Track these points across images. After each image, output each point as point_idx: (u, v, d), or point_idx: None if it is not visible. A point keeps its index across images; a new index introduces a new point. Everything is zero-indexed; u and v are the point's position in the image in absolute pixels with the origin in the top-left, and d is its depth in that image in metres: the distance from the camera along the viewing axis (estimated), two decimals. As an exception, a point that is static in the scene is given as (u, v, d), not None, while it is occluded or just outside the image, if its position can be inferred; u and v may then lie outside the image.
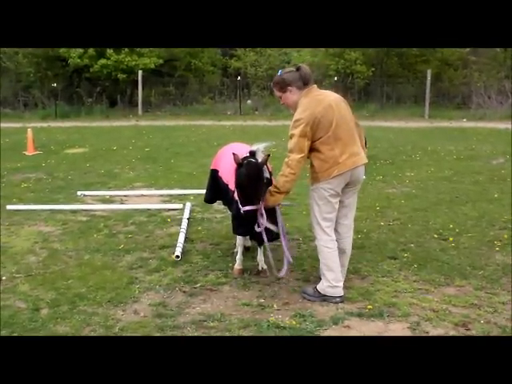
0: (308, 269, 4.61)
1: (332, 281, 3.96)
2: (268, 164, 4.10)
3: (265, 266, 4.55)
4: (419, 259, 4.82)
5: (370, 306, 3.88)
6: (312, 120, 3.77)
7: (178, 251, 4.87)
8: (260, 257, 4.60)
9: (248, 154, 4.04)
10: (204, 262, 4.79)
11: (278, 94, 4.05)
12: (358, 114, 19.10)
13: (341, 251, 4.04)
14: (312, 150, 3.87)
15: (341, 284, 4.00)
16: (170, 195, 7.45)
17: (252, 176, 3.86)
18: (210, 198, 5.01)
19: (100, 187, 7.92)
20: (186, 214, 6.14)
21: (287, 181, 3.86)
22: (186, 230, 5.59)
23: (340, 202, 3.98)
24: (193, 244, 5.29)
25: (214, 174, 4.75)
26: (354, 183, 3.96)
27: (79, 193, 7.40)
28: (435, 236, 5.49)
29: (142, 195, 7.46)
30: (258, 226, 4.03)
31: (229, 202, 4.41)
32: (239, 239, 4.55)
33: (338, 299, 3.96)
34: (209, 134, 14.38)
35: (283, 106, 4.18)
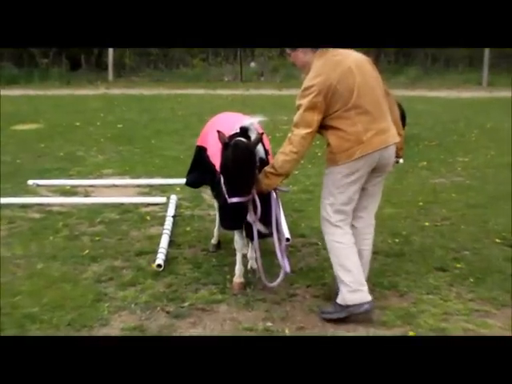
0: (330, 282, 4.58)
1: (352, 284, 3.96)
2: (265, 139, 4.13)
3: (255, 266, 4.69)
4: (476, 271, 4.81)
5: (411, 333, 3.86)
6: (326, 88, 3.80)
7: (161, 259, 4.87)
8: (250, 253, 4.78)
9: (238, 131, 4.08)
10: (194, 274, 4.78)
11: (287, 51, 4.12)
12: (393, 81, 19.20)
13: (360, 256, 4.10)
14: (328, 126, 3.92)
15: (365, 287, 3.98)
16: (150, 186, 7.46)
17: (240, 161, 3.90)
18: (192, 181, 5.14)
19: (58, 175, 7.93)
20: (171, 211, 6.15)
21: (287, 160, 3.93)
22: (171, 232, 5.59)
23: (362, 189, 4.04)
24: (179, 249, 5.29)
25: (201, 152, 4.86)
26: (383, 168, 4.02)
27: (31, 182, 7.41)
28: (497, 241, 5.48)
29: (114, 186, 7.47)
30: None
31: (216, 188, 4.46)
32: (238, 242, 4.58)
33: (366, 306, 3.94)
34: (200, 106, 14.37)
35: (297, 70, 4.14)
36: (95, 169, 8.33)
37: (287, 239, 5.25)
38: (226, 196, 4.04)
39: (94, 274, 4.79)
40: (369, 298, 3.97)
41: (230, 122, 4.40)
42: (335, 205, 3.99)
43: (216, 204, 4.98)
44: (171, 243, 5.37)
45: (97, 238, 5.56)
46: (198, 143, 4.97)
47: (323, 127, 3.94)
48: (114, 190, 7.30)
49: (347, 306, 3.98)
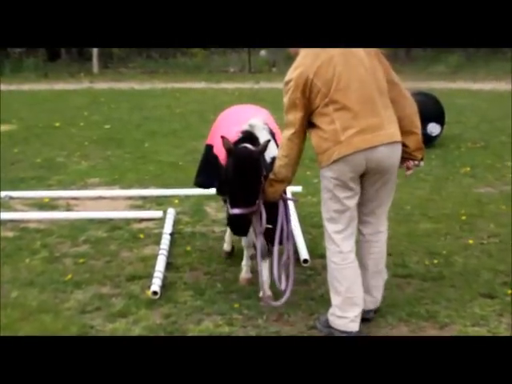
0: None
1: (337, 309, 4.21)
2: (280, 137, 4.46)
3: (268, 293, 4.77)
4: (530, 298, 4.80)
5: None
6: (302, 82, 4.00)
7: (157, 285, 4.88)
8: (265, 277, 4.79)
9: (240, 135, 4.40)
10: (196, 302, 4.79)
11: None
12: (430, 71, 19.06)
13: (363, 267, 4.31)
14: (311, 124, 4.15)
15: (351, 315, 4.18)
16: (144, 197, 7.49)
17: (243, 170, 4.18)
18: (202, 182, 5.38)
19: (35, 185, 7.97)
20: (168, 227, 6.16)
21: (281, 165, 4.27)
22: (169, 252, 5.60)
23: (363, 194, 4.23)
24: (179, 273, 5.31)
25: (208, 150, 5.12)
26: (376, 172, 4.12)
27: (3, 194, 7.44)
28: (555, 261, 5.46)
29: (101, 198, 7.49)
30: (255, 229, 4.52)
31: (225, 190, 4.68)
32: (244, 240, 4.98)
33: (340, 333, 4.20)
34: (202, 102, 14.41)
35: None
36: (78, 178, 8.35)
37: (305, 260, 5.32)
38: (228, 206, 4.33)
39: (77, 303, 4.79)
40: (354, 328, 4.18)
41: (243, 118, 4.63)
42: (329, 212, 4.21)
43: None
44: (169, 266, 5.37)
45: (81, 261, 5.56)
46: (207, 142, 5.22)
47: (309, 126, 4.16)
48: (100, 203, 7.30)
49: (330, 327, 4.28)
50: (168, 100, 14.81)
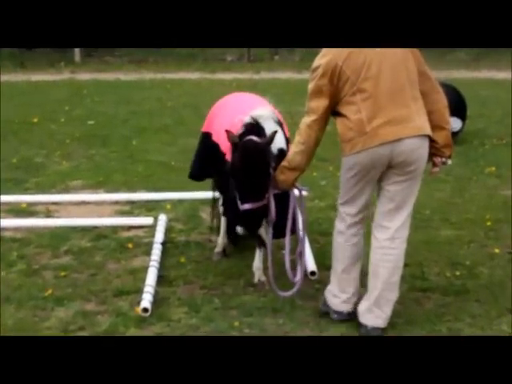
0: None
1: (333, 287, 4.78)
2: (286, 127, 4.89)
3: (262, 278, 5.24)
4: None
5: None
6: (331, 69, 4.28)
7: (147, 300, 4.88)
8: (258, 263, 5.30)
9: (244, 128, 4.69)
10: (191, 320, 4.80)
11: None
12: (449, 59, 18.97)
13: (375, 276, 4.54)
14: (338, 112, 4.43)
15: (344, 296, 4.71)
16: (132, 202, 7.47)
17: (251, 164, 4.50)
18: (197, 173, 5.70)
19: (11, 188, 7.92)
20: (160, 236, 6.16)
21: (296, 152, 4.57)
22: (160, 264, 5.60)
23: (381, 190, 4.51)
24: (172, 287, 5.31)
25: (205, 139, 5.40)
26: (401, 167, 4.33)
27: (-25, 198, 7.40)
28: None
29: (84, 202, 7.48)
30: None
31: (225, 182, 5.00)
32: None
33: (334, 316, 4.74)
34: (196, 94, 14.40)
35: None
36: (59, 180, 8.32)
37: (312, 272, 5.34)
38: (238, 202, 4.63)
39: (59, 321, 4.79)
40: (342, 308, 4.71)
41: (245, 107, 4.91)
42: (344, 196, 4.58)
43: (221, 200, 5.71)
44: (161, 279, 5.37)
45: (62, 274, 5.55)
46: (203, 129, 5.49)
47: (335, 114, 4.45)
48: (84, 209, 7.29)
49: (325, 303, 4.80)
50: (158, 92, 14.77)
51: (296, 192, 4.91)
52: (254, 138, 4.64)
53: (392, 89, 4.25)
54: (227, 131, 4.63)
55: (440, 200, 7.38)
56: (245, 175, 4.53)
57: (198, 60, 19.69)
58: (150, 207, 7.26)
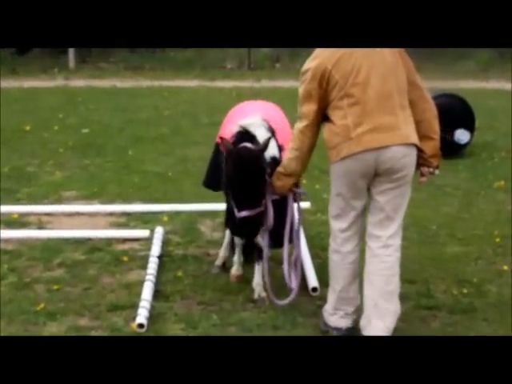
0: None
1: (330, 306, 4.81)
2: (279, 133, 5.07)
3: (263, 294, 5.29)
4: None
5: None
6: (320, 73, 4.42)
7: (143, 316, 4.88)
8: (258, 279, 5.35)
9: (235, 138, 4.93)
10: (189, 336, 4.75)
11: None
12: (458, 69, 18.93)
13: (370, 284, 4.59)
14: (326, 117, 4.56)
15: (342, 312, 4.76)
16: (127, 214, 7.47)
17: (245, 171, 4.68)
18: (210, 182, 5.83)
19: (2, 199, 7.91)
20: (156, 249, 6.14)
21: (291, 158, 4.73)
22: (157, 278, 5.59)
23: (371, 200, 4.59)
24: (168, 303, 5.30)
25: (217, 148, 5.54)
26: (388, 173, 4.43)
27: (-35, 209, 7.39)
28: None
29: (78, 214, 7.47)
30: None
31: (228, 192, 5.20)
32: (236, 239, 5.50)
33: (334, 332, 4.75)
34: (194, 103, 14.44)
35: None
36: (52, 190, 8.31)
37: (314, 288, 5.33)
38: (235, 210, 4.80)
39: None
40: (342, 323, 4.75)
41: (248, 115, 5.22)
42: (335, 209, 4.70)
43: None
44: (157, 294, 5.36)
45: (55, 287, 5.54)
46: (217, 140, 5.53)
47: (324, 119, 4.58)
48: (77, 220, 7.28)
49: (325, 323, 4.83)
50: (155, 100, 14.79)
51: (292, 198, 5.06)
52: (248, 144, 4.83)
53: (380, 96, 4.37)
54: (221, 138, 4.87)
55: (447, 215, 7.38)
56: (240, 183, 4.71)
57: (197, 67, 19.72)
58: (146, 219, 7.24)
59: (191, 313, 5.13)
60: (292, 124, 4.99)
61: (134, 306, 5.06)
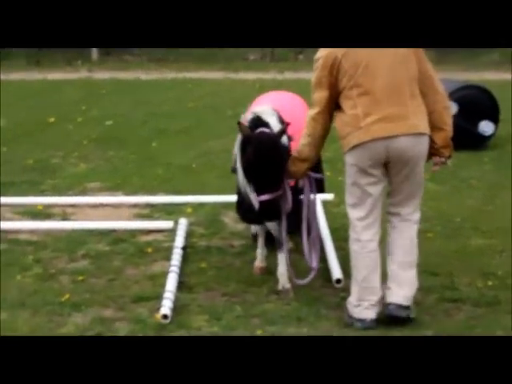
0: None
1: (354, 297, 4.82)
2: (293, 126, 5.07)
3: (287, 285, 5.30)
4: None
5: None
6: (330, 61, 4.57)
7: (167, 307, 4.88)
8: (281, 269, 5.32)
9: (250, 124, 5.02)
10: (212, 328, 4.80)
11: None
12: (480, 61, 18.56)
13: (391, 255, 4.85)
14: (337, 106, 4.72)
15: (367, 303, 4.76)
16: (151, 205, 7.49)
17: (265, 156, 4.79)
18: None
19: (26, 190, 7.99)
20: (180, 240, 6.15)
21: (304, 144, 4.87)
22: (180, 270, 5.60)
23: (389, 184, 4.76)
24: (192, 294, 5.32)
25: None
26: (399, 162, 4.60)
27: (-11, 200, 7.47)
28: None
29: (102, 205, 7.50)
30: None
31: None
32: (257, 227, 5.65)
33: (358, 324, 4.75)
34: (217, 95, 14.43)
35: None
36: (76, 182, 8.35)
37: (338, 280, 5.34)
38: (253, 194, 4.96)
39: (76, 327, 4.80)
40: (367, 314, 4.74)
41: (275, 102, 5.46)
42: (351, 198, 4.79)
43: None
44: (181, 285, 5.37)
45: (80, 278, 5.57)
46: None
47: (336, 108, 4.73)
48: (102, 212, 7.30)
49: (349, 315, 4.82)
50: (179, 92, 14.78)
51: (308, 182, 5.22)
52: (265, 129, 4.97)
53: (389, 86, 4.51)
54: (239, 123, 4.98)
55: (471, 208, 7.35)
56: (260, 167, 4.80)
57: (220, 59, 19.61)
58: (170, 211, 7.25)
59: (215, 304, 5.13)
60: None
61: (159, 297, 5.05)
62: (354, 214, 4.79)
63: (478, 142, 9.68)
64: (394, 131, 4.50)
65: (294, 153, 4.99)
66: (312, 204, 5.30)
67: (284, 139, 5.07)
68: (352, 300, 4.84)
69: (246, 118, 5.17)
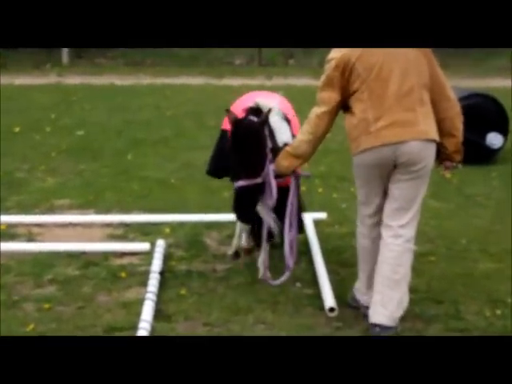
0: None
1: (362, 285, 5.33)
2: (295, 124, 5.69)
3: (268, 274, 5.73)
4: None
5: None
6: (343, 63, 4.87)
7: (140, 339, 4.83)
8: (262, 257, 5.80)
9: (246, 112, 5.42)
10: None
11: None
12: (487, 66, 18.75)
13: (378, 273, 5.06)
14: (347, 107, 5.03)
15: (371, 292, 5.14)
16: (126, 225, 7.46)
17: (242, 138, 5.16)
18: (214, 169, 6.22)
19: (-12, 207, 7.93)
20: (158, 264, 6.13)
21: (303, 140, 5.18)
22: (158, 297, 5.58)
23: (388, 191, 5.03)
24: (170, 323, 5.29)
25: (225, 135, 5.81)
26: (405, 166, 4.88)
27: None
28: None
29: (71, 224, 7.47)
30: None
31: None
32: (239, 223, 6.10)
33: (366, 311, 5.15)
34: (200, 102, 14.51)
35: None
36: (43, 198, 8.32)
37: (331, 309, 5.35)
38: (234, 182, 5.34)
39: (40, 361, 4.75)
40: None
41: (255, 100, 5.65)
42: (361, 196, 5.19)
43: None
44: (158, 314, 5.35)
45: (46, 306, 5.53)
46: (222, 127, 6.05)
47: (346, 109, 5.05)
48: (71, 232, 7.28)
49: (357, 301, 5.36)
50: (157, 99, 14.85)
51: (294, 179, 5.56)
52: (252, 117, 5.36)
53: (400, 92, 4.82)
54: (228, 110, 5.36)
55: (478, 228, 7.34)
56: (236, 151, 5.20)
57: (202, 63, 19.76)
58: (147, 231, 7.22)
59: (196, 335, 5.10)
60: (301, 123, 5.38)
61: (133, 328, 5.04)
62: (364, 210, 5.22)
63: (486, 156, 9.70)
64: (403, 137, 4.80)
65: (288, 148, 5.29)
66: (295, 202, 5.58)
67: (286, 137, 5.48)
68: (361, 287, 5.35)
69: (249, 105, 5.60)
